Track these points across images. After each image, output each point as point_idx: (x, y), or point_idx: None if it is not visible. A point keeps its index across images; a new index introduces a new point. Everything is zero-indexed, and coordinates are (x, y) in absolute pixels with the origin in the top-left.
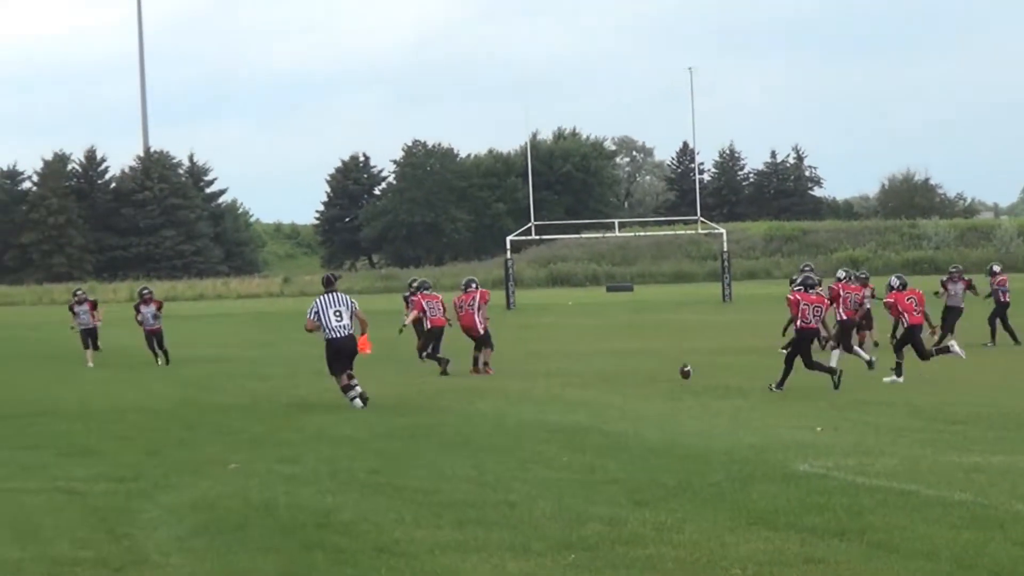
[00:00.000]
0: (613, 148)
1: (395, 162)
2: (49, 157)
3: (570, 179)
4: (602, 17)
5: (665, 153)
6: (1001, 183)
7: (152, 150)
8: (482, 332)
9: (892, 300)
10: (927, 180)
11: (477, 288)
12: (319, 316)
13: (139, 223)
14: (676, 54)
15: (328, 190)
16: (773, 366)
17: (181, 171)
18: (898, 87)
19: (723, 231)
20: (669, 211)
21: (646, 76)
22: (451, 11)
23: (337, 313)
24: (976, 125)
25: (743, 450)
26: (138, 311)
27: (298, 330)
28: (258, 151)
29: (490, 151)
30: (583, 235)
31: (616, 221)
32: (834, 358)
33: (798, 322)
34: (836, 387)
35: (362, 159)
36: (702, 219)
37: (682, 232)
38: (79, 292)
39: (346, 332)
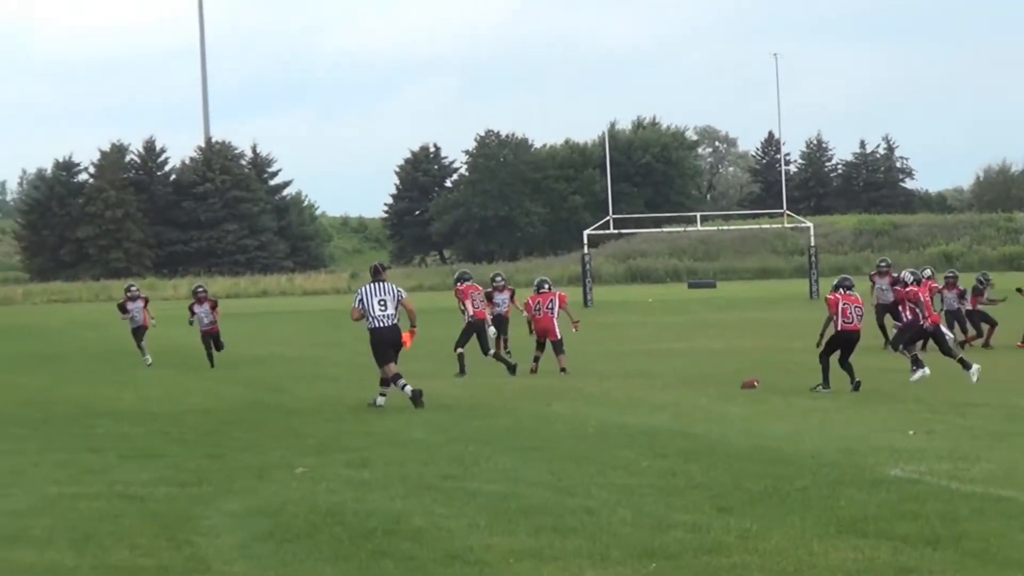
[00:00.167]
0: (695, 138)
1: (467, 153)
2: (106, 148)
3: (650, 170)
4: (683, 0)
5: (749, 143)
6: None
7: (213, 141)
8: (559, 336)
9: (915, 290)
10: None
11: (551, 289)
12: (363, 304)
13: (200, 216)
14: (760, 40)
15: (397, 182)
16: (864, 366)
17: (244, 162)
18: (994, 74)
19: (810, 225)
20: (753, 204)
21: (729, 63)
22: None
23: (381, 302)
24: None
25: (832, 454)
26: (192, 311)
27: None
28: (324, 142)
29: (566, 141)
30: (663, 229)
31: (698, 214)
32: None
33: (839, 323)
34: (817, 389)
35: (432, 150)
36: (788, 212)
37: (767, 226)
38: (132, 288)
39: (389, 322)
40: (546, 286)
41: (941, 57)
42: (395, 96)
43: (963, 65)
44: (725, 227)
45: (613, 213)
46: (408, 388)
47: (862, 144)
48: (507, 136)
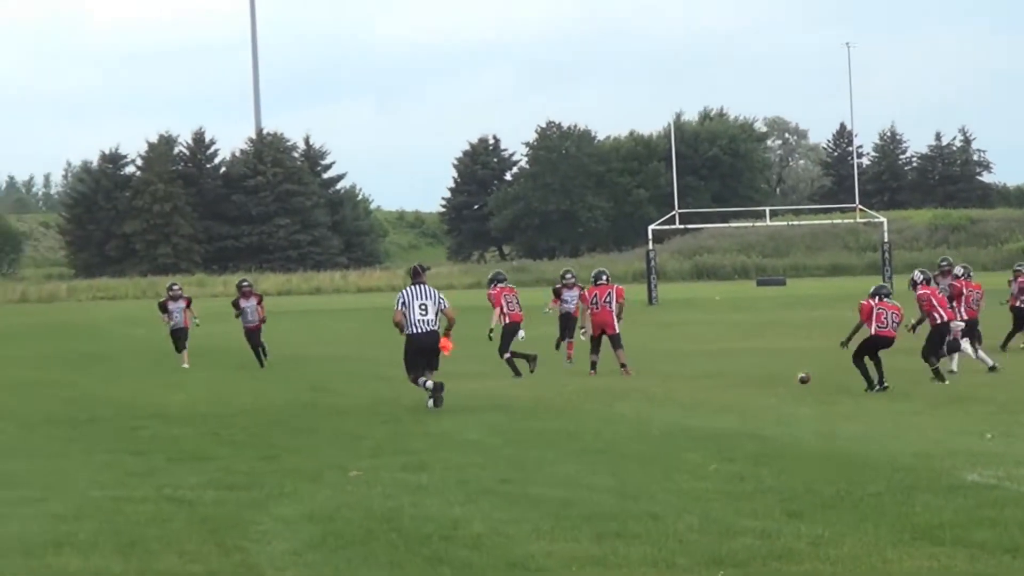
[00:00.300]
0: (764, 130)
1: (527, 145)
2: (154, 139)
3: (717, 163)
4: None
5: (820, 135)
6: None
7: (265, 132)
8: (617, 330)
9: (927, 292)
10: None
11: (609, 281)
12: (405, 308)
13: (251, 210)
14: (832, 28)
15: (455, 175)
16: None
17: (296, 155)
18: None
19: (883, 220)
20: (825, 198)
21: (799, 52)
22: None
23: (422, 307)
24: None
25: (906, 457)
26: (237, 307)
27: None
28: (379, 133)
29: (630, 133)
30: (731, 224)
31: (767, 209)
32: (967, 354)
33: (873, 327)
34: (872, 389)
35: (492, 142)
36: (861, 207)
37: (839, 221)
38: (174, 287)
39: (429, 328)
40: (604, 278)
41: (1021, 46)
42: (453, 86)
43: None
44: (795, 222)
45: (679, 207)
46: (429, 383)
47: (938, 136)
48: (569, 127)
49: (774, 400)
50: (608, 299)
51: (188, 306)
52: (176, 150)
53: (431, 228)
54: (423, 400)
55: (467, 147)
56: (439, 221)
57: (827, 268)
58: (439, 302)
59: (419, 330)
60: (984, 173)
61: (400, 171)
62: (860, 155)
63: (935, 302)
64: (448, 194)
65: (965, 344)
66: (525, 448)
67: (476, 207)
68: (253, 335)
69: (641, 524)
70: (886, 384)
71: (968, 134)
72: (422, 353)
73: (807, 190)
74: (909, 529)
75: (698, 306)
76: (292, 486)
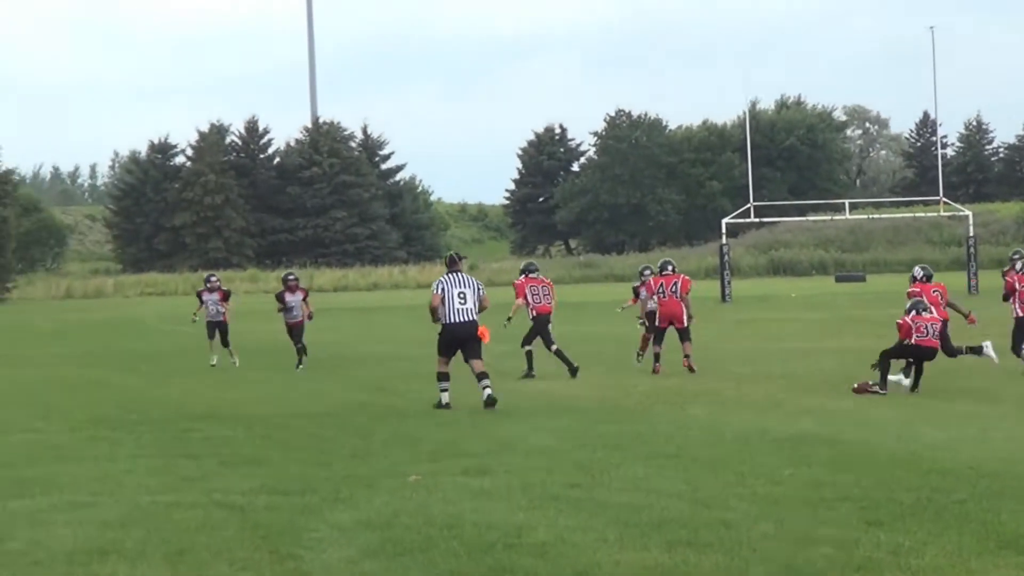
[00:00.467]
0: (843, 119)
1: (595, 134)
2: (205, 128)
3: (794, 154)
4: None
5: (902, 125)
6: None
7: (321, 121)
8: (686, 323)
9: (918, 290)
10: None
11: (675, 271)
12: (444, 295)
13: (306, 203)
14: (915, 12)
15: (519, 166)
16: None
17: (353, 144)
18: None
19: (969, 213)
20: (907, 191)
21: (880, 37)
22: None
23: (461, 295)
24: None
25: (992, 463)
26: (281, 300)
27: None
28: (440, 122)
29: (704, 122)
30: (809, 217)
31: (846, 202)
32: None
33: (913, 337)
34: (883, 391)
35: (558, 131)
36: (945, 200)
37: (922, 215)
38: (212, 278)
39: (468, 316)
40: (670, 267)
41: None
42: (518, 73)
43: None
44: (876, 215)
45: (754, 200)
46: (446, 396)
47: None
48: (639, 116)
49: (852, 403)
50: (674, 289)
51: (224, 299)
52: (228, 139)
53: (494, 221)
54: (488, 401)
55: (532, 137)
56: (503, 214)
57: (909, 264)
58: (478, 289)
59: (457, 319)
60: None
61: (462, 162)
62: (944, 145)
63: (927, 301)
64: (512, 186)
65: (988, 348)
66: (592, 452)
67: (541, 199)
68: (296, 331)
69: (713, 532)
70: (918, 390)
71: None
72: (457, 341)
73: (888, 182)
74: (994, 538)
75: (773, 303)
76: (348, 491)
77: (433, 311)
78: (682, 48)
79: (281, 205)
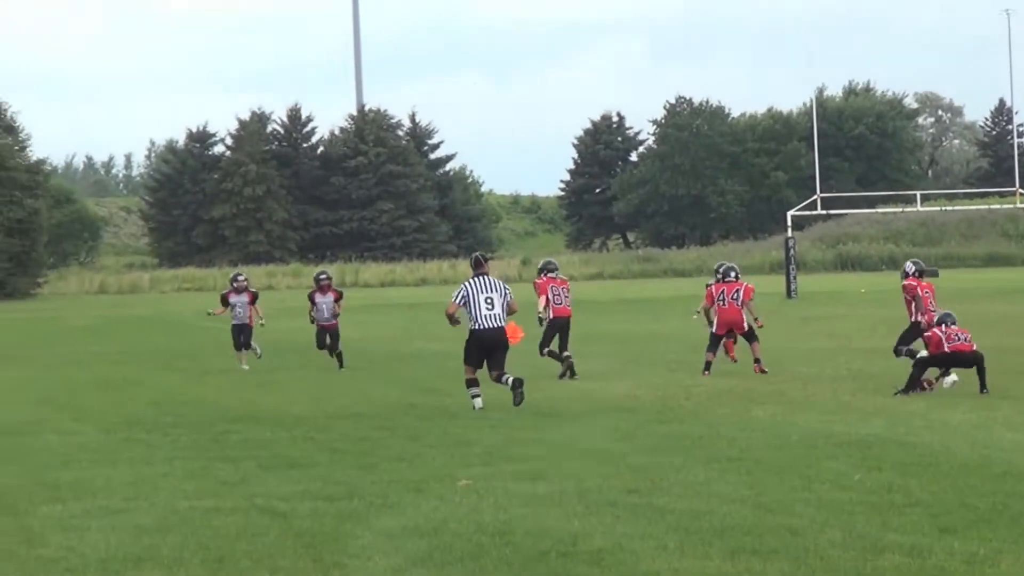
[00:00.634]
0: (914, 106)
1: (655, 123)
2: (246, 116)
3: (863, 143)
4: None
5: (977, 113)
6: None
7: (366, 108)
8: (747, 328)
9: (914, 283)
10: None
11: (738, 278)
12: (467, 303)
13: (351, 194)
14: None
15: (575, 156)
16: None
17: (401, 133)
18: None
19: None
20: (981, 181)
21: (953, 21)
22: None
23: (488, 301)
24: None
25: None
26: (313, 301)
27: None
28: (492, 110)
29: (768, 110)
30: (878, 209)
31: (918, 193)
32: None
33: (946, 346)
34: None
35: (616, 119)
36: (1022, 191)
37: (997, 206)
38: (240, 278)
39: (496, 323)
40: (733, 274)
41: None
42: (574, 58)
43: None
44: (949, 208)
45: (821, 191)
46: (479, 401)
47: None
48: (700, 104)
49: (923, 405)
50: (736, 296)
51: (253, 302)
52: (269, 128)
53: (548, 213)
54: (539, 403)
55: (588, 125)
56: (557, 206)
57: (984, 258)
58: (505, 294)
59: (485, 325)
60: None
61: (515, 151)
62: (1021, 134)
63: (920, 297)
64: (567, 176)
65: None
66: (651, 455)
67: (598, 191)
68: (328, 335)
69: (778, 539)
70: (986, 391)
71: None
72: (484, 349)
73: (962, 172)
74: None
75: (842, 299)
76: (395, 496)
77: (450, 317)
78: (746, 32)
79: (325, 196)
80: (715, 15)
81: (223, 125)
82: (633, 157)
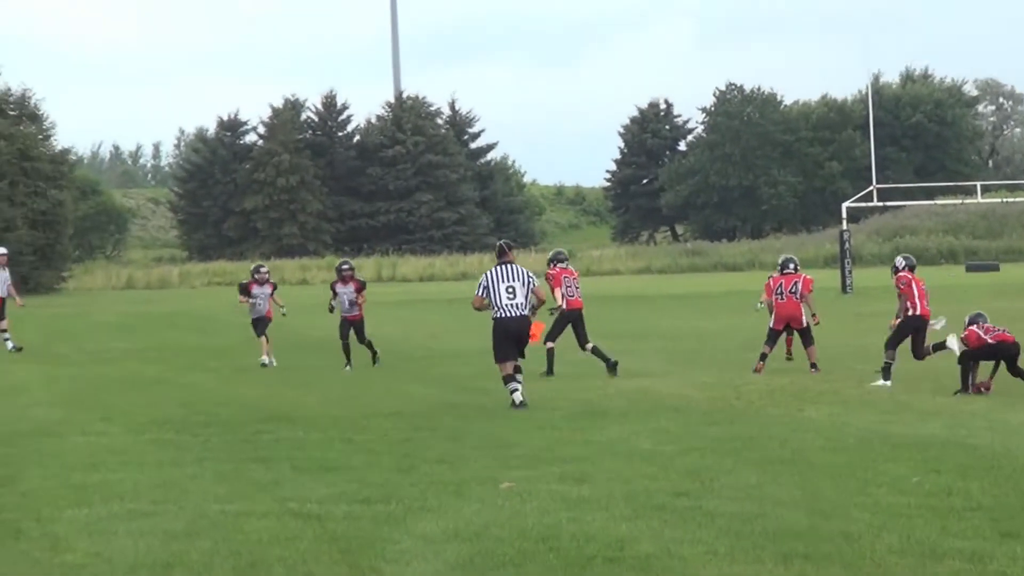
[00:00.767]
0: (975, 93)
1: (704, 111)
2: (279, 104)
3: (921, 132)
4: None
5: None
6: None
7: (405, 96)
8: (806, 324)
9: (908, 277)
10: None
11: (797, 270)
12: (488, 292)
13: (388, 185)
14: None
15: (621, 145)
16: None
17: (440, 121)
18: None
19: None
20: None
21: (1014, 4)
22: None
23: (510, 289)
24: None
25: None
26: (335, 292)
27: (584, 321)
28: (535, 98)
29: (822, 97)
30: (937, 201)
31: (978, 184)
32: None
33: (988, 339)
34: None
35: (664, 107)
36: None
37: None
38: (261, 269)
39: (518, 312)
40: (791, 266)
41: None
42: (620, 44)
43: None
44: (1011, 199)
45: (877, 182)
46: (518, 395)
47: None
48: (752, 91)
49: (984, 404)
50: (794, 289)
51: (273, 293)
52: (303, 116)
53: (594, 205)
54: (585, 402)
55: (635, 113)
56: (603, 197)
57: None
58: (528, 282)
59: (507, 314)
60: None
61: (559, 140)
62: None
63: (915, 291)
64: (613, 167)
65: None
66: (700, 456)
67: (645, 181)
68: (351, 327)
69: (833, 544)
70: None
71: None
72: (509, 338)
73: None
74: None
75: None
76: (435, 500)
77: (479, 310)
78: (799, 16)
79: (361, 187)
80: None
81: (255, 113)
82: (682, 146)
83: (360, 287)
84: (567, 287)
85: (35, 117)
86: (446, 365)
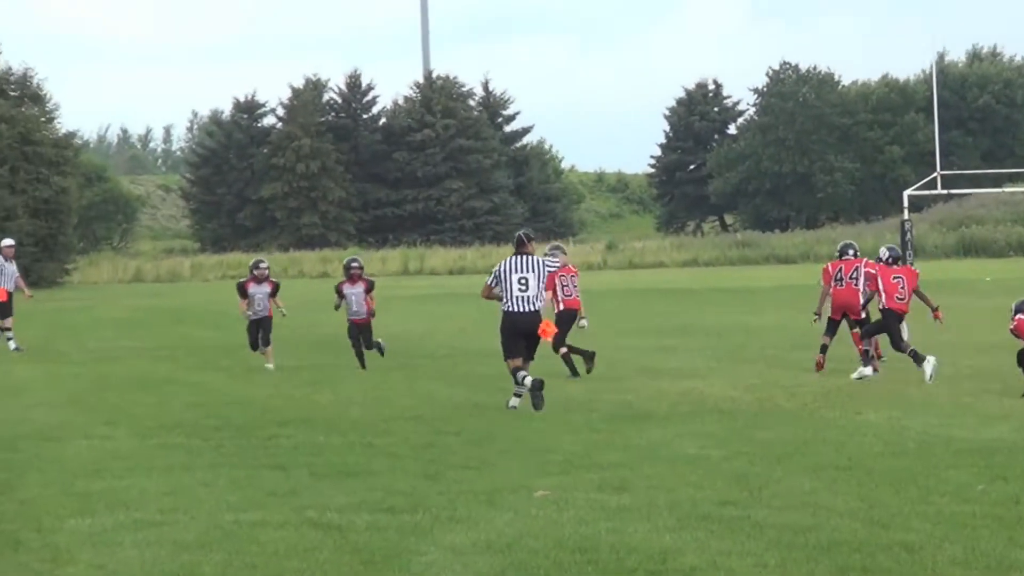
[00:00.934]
0: None
1: (756, 92)
2: (299, 84)
3: (989, 114)
4: None
5: None
6: None
7: (434, 76)
8: (863, 314)
9: (875, 271)
10: None
11: (857, 255)
12: (499, 282)
13: (416, 171)
14: None
15: (667, 129)
16: None
17: (472, 103)
18: None
19: None
20: None
21: None
22: None
23: (522, 281)
24: None
25: None
26: (340, 294)
27: (625, 316)
28: (574, 78)
29: (882, 78)
30: (1006, 189)
31: None
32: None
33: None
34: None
35: (712, 88)
36: None
37: None
38: (261, 264)
39: (529, 306)
40: (851, 251)
41: None
42: (666, 20)
43: None
44: None
45: (941, 169)
46: (528, 379)
47: None
48: (807, 70)
49: None
50: (854, 275)
51: (274, 293)
52: (325, 97)
53: (637, 193)
54: (624, 404)
55: (682, 94)
56: (646, 184)
57: None
58: (542, 274)
59: (517, 308)
60: None
61: (599, 124)
62: None
63: (882, 286)
64: (658, 152)
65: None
66: (749, 463)
67: (692, 167)
68: (359, 330)
69: (892, 556)
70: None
71: None
72: (519, 334)
73: None
74: None
75: (964, 289)
76: (464, 509)
77: (487, 299)
78: None
79: (387, 174)
80: None
81: (274, 94)
82: (731, 130)
83: (369, 287)
84: (563, 286)
85: (37, 98)
86: (472, 363)
